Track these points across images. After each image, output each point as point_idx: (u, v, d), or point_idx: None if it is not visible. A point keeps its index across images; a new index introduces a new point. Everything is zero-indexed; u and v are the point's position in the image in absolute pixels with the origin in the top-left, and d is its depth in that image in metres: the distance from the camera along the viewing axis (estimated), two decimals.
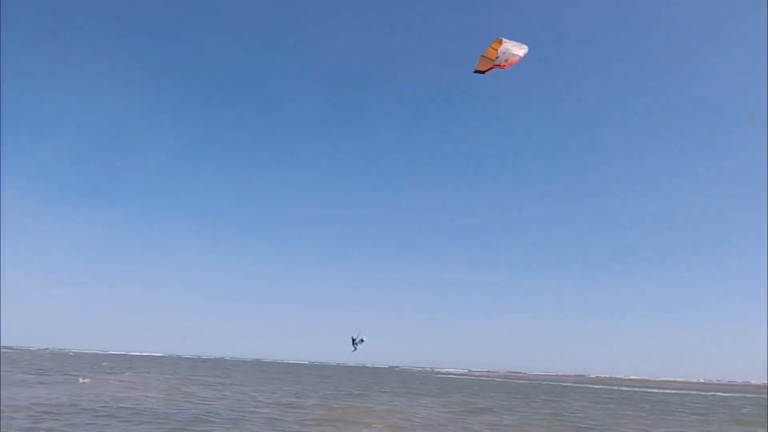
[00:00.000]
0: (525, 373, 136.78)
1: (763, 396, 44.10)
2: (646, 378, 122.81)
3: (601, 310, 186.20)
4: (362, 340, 31.69)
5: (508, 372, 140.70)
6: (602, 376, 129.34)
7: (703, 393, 52.72)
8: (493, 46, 11.26)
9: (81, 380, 28.91)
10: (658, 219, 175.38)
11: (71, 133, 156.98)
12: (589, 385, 64.74)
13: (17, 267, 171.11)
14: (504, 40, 11.21)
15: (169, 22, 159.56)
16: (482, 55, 11.34)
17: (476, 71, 11.33)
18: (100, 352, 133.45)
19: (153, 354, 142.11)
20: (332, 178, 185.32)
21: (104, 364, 56.82)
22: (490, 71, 11.28)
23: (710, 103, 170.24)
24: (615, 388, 59.56)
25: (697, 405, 33.50)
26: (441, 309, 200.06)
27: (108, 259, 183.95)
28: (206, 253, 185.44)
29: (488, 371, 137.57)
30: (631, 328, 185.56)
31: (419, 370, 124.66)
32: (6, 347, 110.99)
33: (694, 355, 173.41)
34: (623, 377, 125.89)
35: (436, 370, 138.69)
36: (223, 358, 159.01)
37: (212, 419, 15.75)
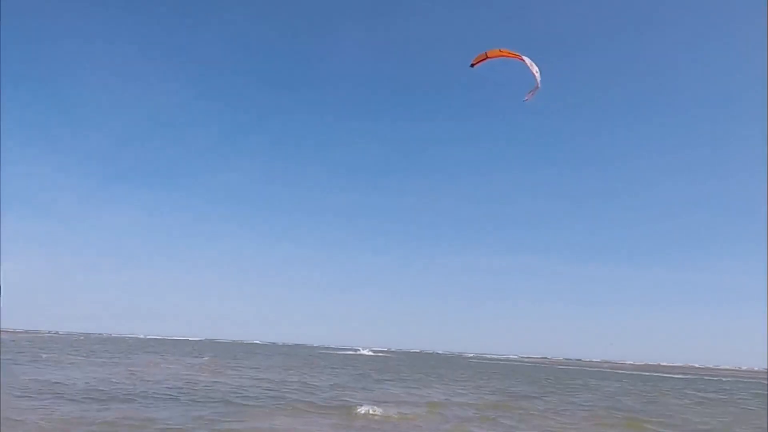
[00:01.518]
0: (562, 359, 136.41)
1: None
2: (695, 365, 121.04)
3: (635, 298, 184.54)
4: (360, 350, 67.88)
5: (543, 357, 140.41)
6: (636, 363, 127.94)
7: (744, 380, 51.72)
8: (502, 51, 11.22)
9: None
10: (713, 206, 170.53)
11: (117, 119, 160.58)
12: (626, 372, 64.28)
13: (71, 254, 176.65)
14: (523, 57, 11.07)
15: (212, 8, 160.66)
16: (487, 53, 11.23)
17: (472, 65, 11.20)
18: (140, 336, 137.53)
19: (191, 338, 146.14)
20: (376, 163, 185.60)
21: (169, 348, 58.47)
22: (482, 62, 11.12)
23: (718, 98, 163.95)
24: (657, 374, 59.10)
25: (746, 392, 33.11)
26: (480, 295, 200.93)
27: (149, 243, 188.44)
28: (247, 237, 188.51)
29: (520, 356, 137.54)
30: (667, 316, 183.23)
31: (453, 355, 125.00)
32: (32, 331, 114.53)
33: (733, 343, 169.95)
34: (659, 363, 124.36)
35: (465, 355, 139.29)
36: (257, 342, 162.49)
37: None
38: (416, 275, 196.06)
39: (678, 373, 67.25)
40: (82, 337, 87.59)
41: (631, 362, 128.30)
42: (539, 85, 11.16)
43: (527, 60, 11.13)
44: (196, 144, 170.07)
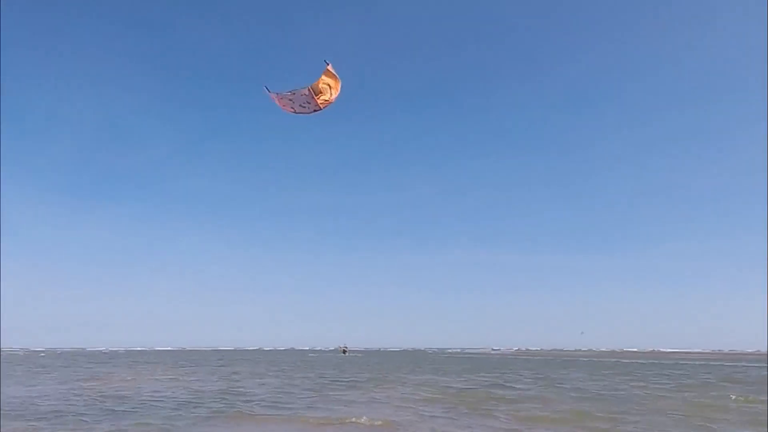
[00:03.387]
0: (542, 349, 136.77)
1: None
2: (662, 350, 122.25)
3: (610, 284, 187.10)
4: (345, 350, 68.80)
5: (526, 349, 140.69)
6: (616, 350, 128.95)
7: (719, 363, 51.64)
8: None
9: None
10: (670, 191, 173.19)
11: (70, 131, 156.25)
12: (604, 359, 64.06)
13: (23, 269, 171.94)
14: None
15: (161, 14, 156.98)
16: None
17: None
18: (115, 349, 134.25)
19: (165, 348, 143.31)
20: (339, 163, 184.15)
21: (143, 360, 56.36)
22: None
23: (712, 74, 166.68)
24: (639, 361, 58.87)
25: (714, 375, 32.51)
26: (449, 290, 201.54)
27: (112, 256, 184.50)
28: (210, 243, 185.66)
29: (499, 349, 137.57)
30: (641, 301, 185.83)
31: (434, 351, 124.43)
32: (7, 349, 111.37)
33: (705, 326, 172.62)
34: (637, 350, 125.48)
35: (447, 350, 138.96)
36: (230, 348, 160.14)
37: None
38: (384, 273, 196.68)
39: (645, 359, 67.27)
40: (43, 354, 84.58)
41: (605, 349, 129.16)
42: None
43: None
44: (158, 151, 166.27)
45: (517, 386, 21.28)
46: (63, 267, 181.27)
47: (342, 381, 23.90)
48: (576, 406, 14.50)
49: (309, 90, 9.71)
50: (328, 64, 9.71)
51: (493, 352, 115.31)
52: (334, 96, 9.98)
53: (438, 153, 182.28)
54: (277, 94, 9.93)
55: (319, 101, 9.86)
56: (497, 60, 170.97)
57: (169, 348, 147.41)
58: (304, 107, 10.02)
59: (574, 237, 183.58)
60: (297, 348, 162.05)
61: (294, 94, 9.95)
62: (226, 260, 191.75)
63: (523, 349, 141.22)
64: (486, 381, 24.32)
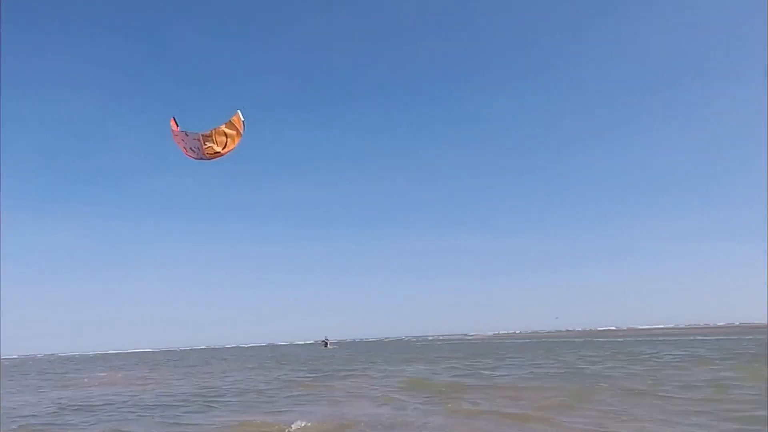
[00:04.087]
0: (519, 333, 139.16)
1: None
2: (644, 327, 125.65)
3: (585, 262, 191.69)
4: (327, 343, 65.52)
5: (503, 333, 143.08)
6: (599, 329, 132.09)
7: (712, 337, 53.64)
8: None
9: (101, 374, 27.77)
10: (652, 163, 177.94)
11: (36, 131, 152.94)
12: (589, 339, 65.91)
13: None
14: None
15: (128, 11, 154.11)
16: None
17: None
18: (102, 352, 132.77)
19: (147, 350, 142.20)
20: (313, 153, 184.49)
21: (127, 363, 56.03)
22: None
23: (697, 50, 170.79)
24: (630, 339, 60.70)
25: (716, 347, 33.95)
26: (426, 277, 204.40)
27: (87, 258, 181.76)
28: (181, 241, 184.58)
29: (475, 334, 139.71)
30: (617, 278, 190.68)
31: (415, 340, 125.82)
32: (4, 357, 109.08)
33: (686, 300, 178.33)
34: (620, 328, 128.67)
35: (431, 337, 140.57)
36: (205, 347, 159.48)
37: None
38: (363, 263, 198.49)
39: (619, 336, 69.36)
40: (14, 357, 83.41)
41: (580, 329, 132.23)
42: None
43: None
44: (122, 150, 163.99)
45: (483, 371, 21.97)
46: (35, 271, 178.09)
47: (307, 376, 24.19)
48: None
49: (201, 137, 9.20)
50: (237, 113, 9.37)
51: (468, 338, 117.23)
52: (227, 150, 9.47)
53: (407, 141, 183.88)
54: (180, 131, 9.48)
55: (205, 150, 9.34)
56: (464, 48, 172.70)
57: (144, 350, 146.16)
58: (194, 152, 9.46)
59: (546, 219, 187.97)
60: (278, 343, 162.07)
61: (188, 135, 9.45)
62: (199, 258, 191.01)
63: (501, 333, 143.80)
64: (454, 367, 25.06)
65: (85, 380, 27.31)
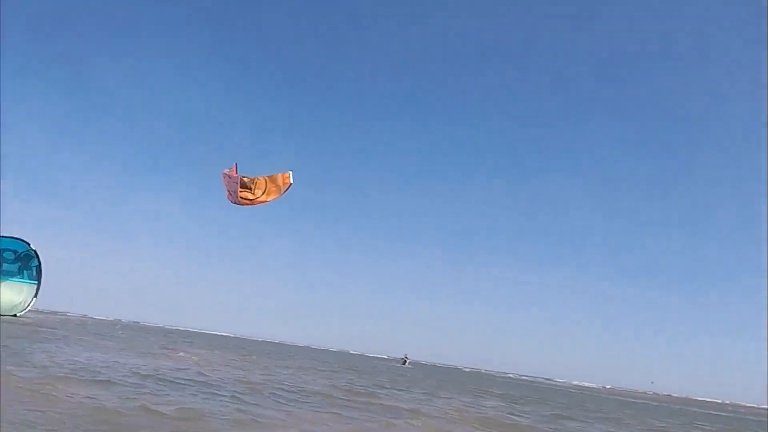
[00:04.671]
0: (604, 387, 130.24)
1: None
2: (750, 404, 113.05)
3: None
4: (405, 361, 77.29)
5: (594, 385, 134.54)
6: (696, 398, 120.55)
7: None
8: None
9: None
10: None
11: (154, 120, 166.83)
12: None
13: (103, 242, 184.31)
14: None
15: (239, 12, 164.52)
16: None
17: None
18: (169, 326, 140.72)
19: (224, 334, 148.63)
20: (406, 165, 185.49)
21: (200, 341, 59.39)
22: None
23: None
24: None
25: None
26: (512, 308, 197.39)
27: (182, 234, 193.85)
28: (282, 235, 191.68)
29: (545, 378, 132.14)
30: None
31: (495, 374, 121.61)
32: (75, 314, 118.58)
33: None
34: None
35: (511, 375, 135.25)
36: (283, 342, 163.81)
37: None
38: (463, 287, 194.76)
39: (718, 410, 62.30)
40: (118, 325, 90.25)
41: (676, 395, 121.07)
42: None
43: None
44: (230, 145, 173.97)
45: (569, 424, 20.32)
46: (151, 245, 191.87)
47: (380, 389, 23.58)
48: None
49: (240, 180, 9.42)
50: (288, 173, 9.47)
51: (551, 382, 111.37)
52: (258, 200, 9.56)
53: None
54: (227, 173, 9.62)
55: (239, 194, 9.48)
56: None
57: (217, 332, 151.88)
58: (231, 195, 9.63)
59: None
60: (349, 351, 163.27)
61: (231, 177, 9.62)
62: (294, 255, 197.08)
63: (590, 385, 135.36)
64: (541, 414, 23.31)
65: (181, 354, 28.51)
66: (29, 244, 43.89)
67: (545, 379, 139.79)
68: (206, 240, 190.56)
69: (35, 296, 44.64)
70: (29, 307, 44.86)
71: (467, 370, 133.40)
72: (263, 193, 9.54)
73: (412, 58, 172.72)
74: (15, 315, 43.23)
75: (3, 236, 43.18)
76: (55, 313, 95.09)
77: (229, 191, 9.63)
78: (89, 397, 10.98)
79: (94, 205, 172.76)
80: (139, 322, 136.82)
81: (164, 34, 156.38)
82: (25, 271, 44.57)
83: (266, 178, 9.52)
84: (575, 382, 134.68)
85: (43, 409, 9.35)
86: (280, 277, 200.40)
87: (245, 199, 9.45)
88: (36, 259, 44.51)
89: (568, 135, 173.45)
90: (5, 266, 44.16)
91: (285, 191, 9.70)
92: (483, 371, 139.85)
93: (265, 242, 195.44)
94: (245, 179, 9.29)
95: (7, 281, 44.25)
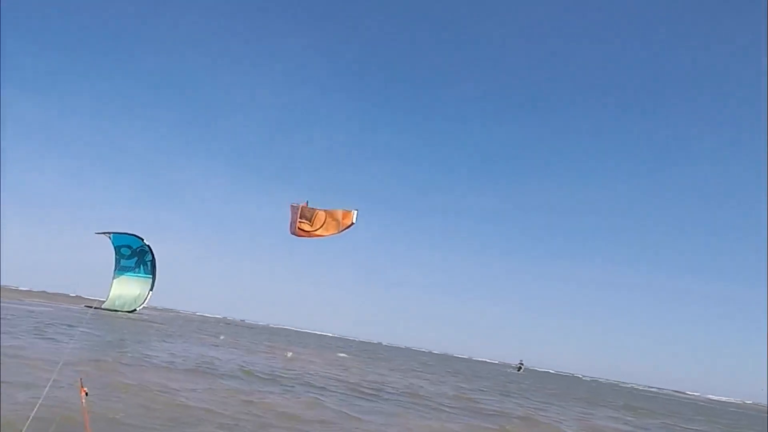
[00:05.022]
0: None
1: None
2: None
3: None
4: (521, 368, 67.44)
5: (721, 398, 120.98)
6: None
7: None
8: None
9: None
10: None
11: (254, 118, 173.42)
12: None
13: (211, 243, 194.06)
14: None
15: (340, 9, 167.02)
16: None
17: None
18: (273, 325, 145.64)
19: (327, 333, 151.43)
20: (512, 165, 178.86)
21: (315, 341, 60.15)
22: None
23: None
24: None
25: None
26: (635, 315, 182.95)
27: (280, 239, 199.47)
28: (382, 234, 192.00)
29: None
30: None
31: (624, 385, 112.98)
32: (184, 310, 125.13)
33: None
34: None
35: (629, 385, 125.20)
36: (380, 343, 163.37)
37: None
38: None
39: None
40: (225, 323, 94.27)
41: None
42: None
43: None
44: (328, 141, 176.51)
45: None
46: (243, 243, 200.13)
47: (490, 396, 21.02)
48: None
49: (300, 209, 9.68)
50: (352, 212, 9.72)
51: (679, 395, 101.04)
52: (315, 234, 9.87)
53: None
54: (294, 205, 9.77)
55: (297, 224, 9.81)
56: None
57: (319, 332, 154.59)
58: (291, 226, 9.89)
59: None
60: (453, 354, 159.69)
61: (294, 208, 9.94)
62: (390, 255, 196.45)
63: (728, 399, 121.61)
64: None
65: (289, 355, 27.66)
66: (143, 240, 45.89)
67: (674, 391, 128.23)
68: (309, 244, 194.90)
69: (151, 290, 46.61)
70: (146, 302, 46.99)
71: (587, 378, 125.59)
72: (321, 226, 9.76)
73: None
74: (134, 310, 45.48)
75: (119, 232, 45.63)
76: (168, 310, 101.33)
77: (291, 222, 9.86)
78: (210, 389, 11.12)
79: (202, 205, 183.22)
80: (244, 320, 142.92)
81: (270, 39, 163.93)
82: (141, 266, 46.74)
83: (327, 211, 9.72)
84: (711, 396, 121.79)
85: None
86: (387, 279, 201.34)
87: (302, 230, 9.76)
88: (150, 254, 46.45)
89: None
90: (123, 262, 46.64)
91: (344, 229, 9.78)
92: (603, 381, 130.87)
93: (373, 244, 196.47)
94: (306, 210, 9.65)
95: (125, 275, 46.70)
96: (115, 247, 46.82)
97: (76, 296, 72.28)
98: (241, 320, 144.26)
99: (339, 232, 9.69)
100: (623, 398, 42.04)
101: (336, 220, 9.84)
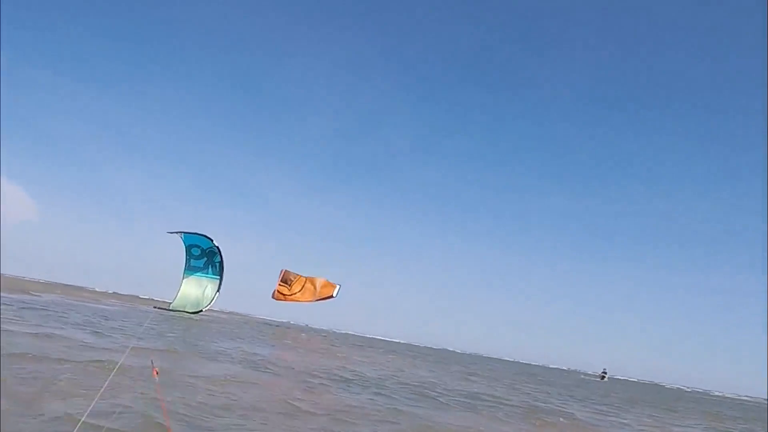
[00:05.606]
0: None
1: None
2: None
3: None
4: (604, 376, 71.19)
5: None
6: None
7: None
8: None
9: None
10: None
11: (324, 118, 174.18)
12: None
13: (275, 244, 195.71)
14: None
15: (407, 9, 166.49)
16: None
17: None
18: (336, 330, 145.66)
19: (388, 339, 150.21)
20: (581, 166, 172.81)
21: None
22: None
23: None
24: None
25: None
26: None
27: (351, 237, 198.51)
28: (436, 240, 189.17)
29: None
30: None
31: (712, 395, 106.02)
32: (245, 314, 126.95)
33: None
34: None
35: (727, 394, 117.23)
36: (445, 348, 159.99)
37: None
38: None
39: None
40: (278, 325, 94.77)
41: None
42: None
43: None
44: (396, 140, 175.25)
45: None
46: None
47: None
48: None
49: (283, 273, 10.35)
50: (335, 286, 9.44)
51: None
52: (291, 298, 10.29)
53: None
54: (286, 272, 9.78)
55: (277, 289, 10.41)
56: None
57: (380, 337, 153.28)
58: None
59: None
60: (522, 361, 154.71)
61: (282, 272, 11.98)
62: (463, 259, 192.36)
63: None
64: None
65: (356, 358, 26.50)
66: (212, 240, 45.75)
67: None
68: (378, 246, 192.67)
69: (218, 291, 46.39)
70: (213, 302, 46.82)
71: (671, 387, 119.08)
72: (299, 291, 10.90)
73: None
74: (199, 311, 45.41)
75: (189, 232, 45.69)
76: (234, 313, 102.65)
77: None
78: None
79: (271, 208, 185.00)
80: (307, 325, 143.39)
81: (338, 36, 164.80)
82: (209, 267, 46.61)
83: (308, 278, 10.23)
84: None
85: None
86: (460, 284, 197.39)
87: (280, 293, 10.56)
88: (219, 255, 46.22)
89: None
90: (192, 262, 46.69)
91: (321, 299, 9.57)
92: (686, 389, 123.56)
93: (445, 247, 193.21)
94: (289, 275, 9.83)
95: (195, 276, 46.73)
96: (185, 247, 46.99)
97: (148, 298, 74.64)
98: (305, 324, 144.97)
99: (314, 301, 9.26)
100: (708, 406, 38.53)
101: (314, 287, 9.54)
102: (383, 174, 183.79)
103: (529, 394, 20.37)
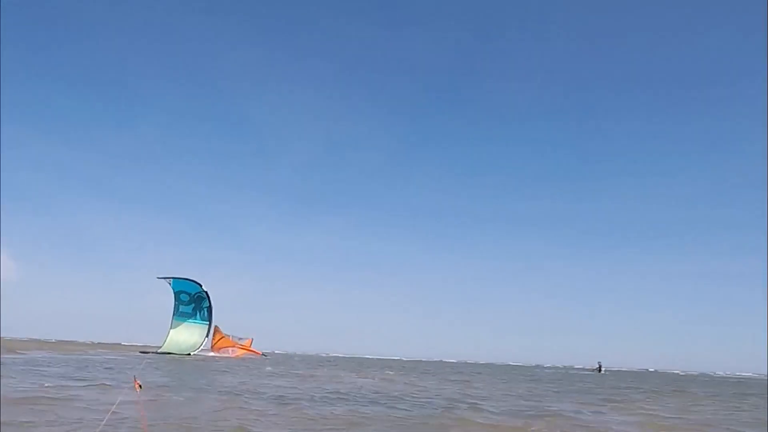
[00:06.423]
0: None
1: None
2: None
3: None
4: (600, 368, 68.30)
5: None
6: None
7: None
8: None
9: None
10: None
11: (296, 146, 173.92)
12: None
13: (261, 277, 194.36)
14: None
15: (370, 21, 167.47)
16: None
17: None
18: (330, 354, 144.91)
19: (379, 357, 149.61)
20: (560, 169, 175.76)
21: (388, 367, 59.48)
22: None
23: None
24: None
25: None
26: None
27: (336, 262, 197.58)
28: (423, 251, 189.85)
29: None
30: None
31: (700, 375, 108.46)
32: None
33: None
34: None
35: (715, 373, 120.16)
36: (453, 361, 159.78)
37: None
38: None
39: None
40: (295, 358, 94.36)
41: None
42: None
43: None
44: (367, 163, 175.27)
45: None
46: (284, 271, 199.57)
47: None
48: None
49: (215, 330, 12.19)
50: (257, 354, 11.27)
51: None
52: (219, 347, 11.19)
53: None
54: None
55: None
56: None
57: (385, 357, 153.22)
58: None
59: None
60: (528, 364, 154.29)
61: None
62: (444, 270, 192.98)
63: None
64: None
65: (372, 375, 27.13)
66: (201, 285, 46.32)
67: None
68: (373, 269, 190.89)
69: (207, 336, 46.99)
70: (202, 347, 47.22)
71: (659, 372, 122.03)
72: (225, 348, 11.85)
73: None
74: (189, 354, 45.75)
75: (177, 277, 46.19)
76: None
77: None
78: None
79: (258, 241, 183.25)
80: (318, 354, 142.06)
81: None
82: (197, 312, 47.10)
83: (238, 342, 11.44)
84: None
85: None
86: (454, 294, 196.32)
87: (213, 345, 11.72)
88: (207, 300, 46.82)
89: None
90: (181, 308, 47.09)
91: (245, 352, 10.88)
92: (680, 373, 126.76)
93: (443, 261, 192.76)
94: (217, 332, 11.22)
95: (185, 322, 47.11)
96: (174, 293, 47.41)
97: (130, 345, 73.71)
98: (314, 354, 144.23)
99: (239, 357, 10.34)
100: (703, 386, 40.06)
101: (231, 344, 10.47)
102: (360, 194, 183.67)
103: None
